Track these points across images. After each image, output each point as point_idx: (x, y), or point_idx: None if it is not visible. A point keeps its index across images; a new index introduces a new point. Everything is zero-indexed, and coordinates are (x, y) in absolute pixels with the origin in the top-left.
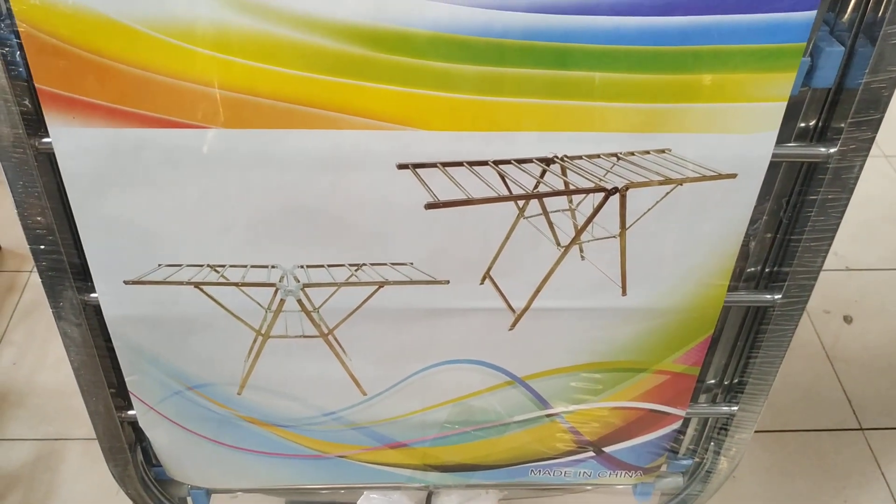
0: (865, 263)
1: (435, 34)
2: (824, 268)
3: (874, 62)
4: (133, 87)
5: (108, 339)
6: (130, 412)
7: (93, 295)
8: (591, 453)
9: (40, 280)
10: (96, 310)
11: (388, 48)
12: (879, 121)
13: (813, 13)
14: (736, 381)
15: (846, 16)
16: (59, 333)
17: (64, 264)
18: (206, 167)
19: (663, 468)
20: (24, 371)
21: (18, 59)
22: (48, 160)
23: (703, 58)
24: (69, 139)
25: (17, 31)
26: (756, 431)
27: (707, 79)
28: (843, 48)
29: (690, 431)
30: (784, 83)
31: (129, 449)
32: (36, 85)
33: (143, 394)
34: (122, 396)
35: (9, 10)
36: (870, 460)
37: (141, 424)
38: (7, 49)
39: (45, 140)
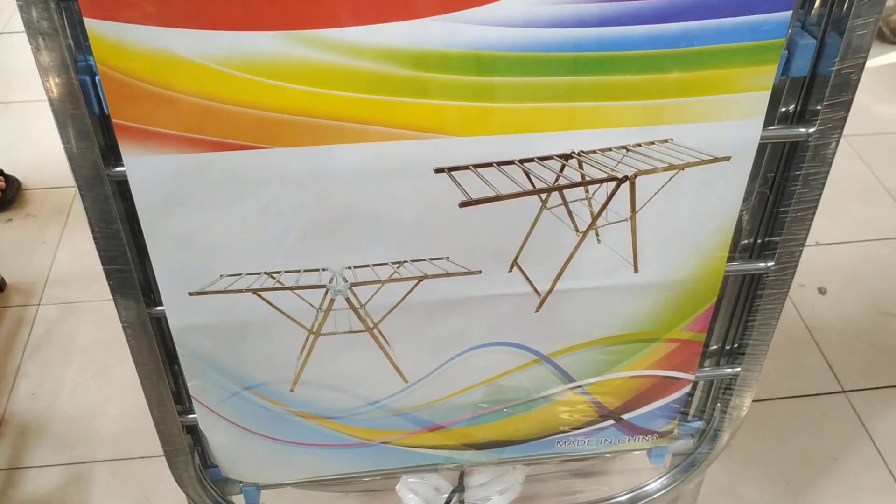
0: (834, 238)
1: (464, 52)
2: None
3: (842, 51)
4: (198, 115)
5: (167, 349)
6: (189, 416)
7: (157, 308)
8: (612, 421)
9: (112, 297)
10: (157, 322)
11: (424, 67)
12: (850, 102)
13: (789, 13)
14: (737, 345)
15: (815, 12)
16: (75, 361)
17: (134, 281)
18: (264, 184)
19: (675, 432)
20: (43, 401)
21: (93, 97)
22: (118, 186)
23: (697, 57)
24: (141, 167)
25: (94, 72)
26: None
27: (702, 75)
28: (814, 41)
29: (698, 395)
30: (767, 74)
31: (188, 451)
32: (113, 120)
33: (204, 397)
34: (178, 402)
35: (89, 53)
36: (854, 419)
37: (201, 427)
38: (87, 89)
39: (119, 169)
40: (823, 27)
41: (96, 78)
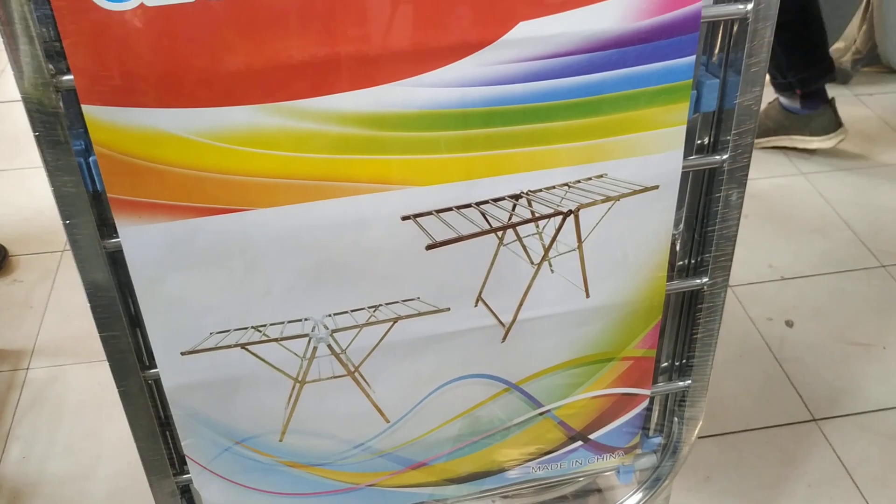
0: (798, 272)
1: (419, 111)
2: (763, 279)
3: (742, 87)
4: (187, 185)
5: (159, 413)
6: (183, 477)
7: (151, 371)
8: (580, 443)
9: (108, 362)
10: (150, 387)
11: (384, 127)
12: (754, 129)
13: (693, 58)
14: (685, 360)
15: (715, 56)
16: (65, 424)
17: (129, 346)
18: (249, 243)
19: (639, 449)
20: (34, 464)
21: (87, 176)
22: (111, 256)
23: (619, 101)
24: (135, 237)
25: (88, 153)
26: (721, 434)
27: (625, 116)
28: (718, 80)
29: (656, 412)
30: (681, 111)
31: None
32: (109, 195)
33: (197, 455)
34: (172, 465)
35: (86, 139)
36: (825, 447)
37: (196, 485)
38: (83, 170)
39: (114, 240)
40: (724, 68)
41: (91, 159)
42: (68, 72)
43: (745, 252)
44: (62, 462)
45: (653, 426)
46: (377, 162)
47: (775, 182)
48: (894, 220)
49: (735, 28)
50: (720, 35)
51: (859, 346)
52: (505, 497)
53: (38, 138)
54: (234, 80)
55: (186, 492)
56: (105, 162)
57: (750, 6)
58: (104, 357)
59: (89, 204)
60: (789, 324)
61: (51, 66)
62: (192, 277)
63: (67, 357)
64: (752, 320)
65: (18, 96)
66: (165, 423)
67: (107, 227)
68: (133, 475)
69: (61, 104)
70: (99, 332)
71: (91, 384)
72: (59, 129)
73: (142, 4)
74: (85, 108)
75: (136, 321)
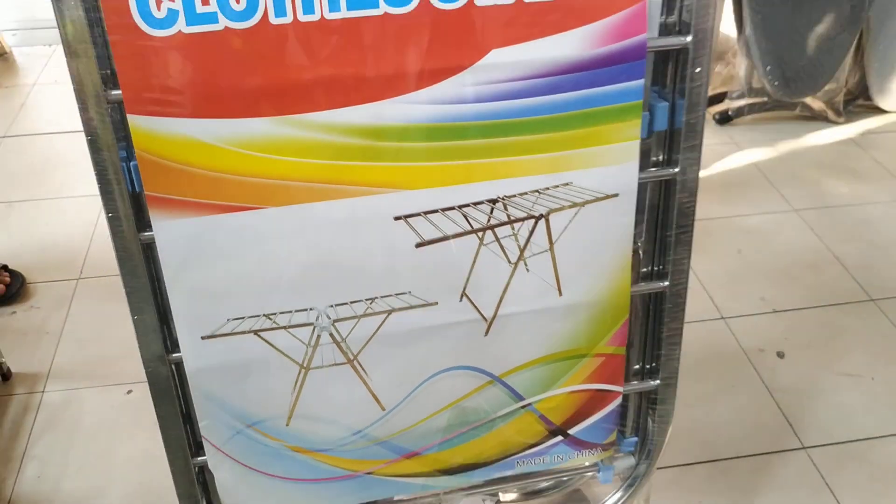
0: (790, 305)
1: (411, 125)
2: (755, 312)
3: (687, 109)
4: (211, 184)
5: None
6: (199, 459)
7: (174, 355)
8: (560, 437)
9: (138, 345)
10: (173, 372)
11: (381, 138)
12: (700, 145)
13: (642, 81)
14: (654, 364)
15: (668, 84)
16: (79, 445)
17: (157, 329)
18: (262, 238)
19: (616, 448)
20: (48, 483)
21: (128, 178)
22: (145, 248)
23: (580, 118)
24: (166, 230)
25: (130, 158)
26: (714, 460)
27: (587, 131)
28: (667, 103)
29: (632, 414)
30: (635, 128)
31: (198, 495)
32: (146, 193)
33: (213, 436)
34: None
35: (128, 146)
36: (814, 474)
37: (210, 466)
38: (125, 172)
39: (147, 234)
40: (672, 93)
41: (132, 164)
42: (117, 87)
43: (738, 285)
44: (76, 482)
45: (629, 427)
46: (373, 168)
47: (768, 218)
48: (885, 257)
49: (679, 57)
50: (669, 64)
51: (848, 377)
52: (494, 494)
53: (90, 142)
54: (254, 96)
55: (201, 474)
56: (144, 163)
57: (689, 38)
58: (117, 381)
59: (129, 202)
60: (780, 355)
61: (102, 83)
62: (213, 267)
63: (81, 381)
64: (745, 351)
65: (37, 130)
66: (185, 411)
67: (141, 223)
68: (144, 496)
69: (109, 114)
70: (132, 315)
71: (104, 407)
72: (107, 135)
73: (179, 32)
74: (130, 117)
75: (162, 311)
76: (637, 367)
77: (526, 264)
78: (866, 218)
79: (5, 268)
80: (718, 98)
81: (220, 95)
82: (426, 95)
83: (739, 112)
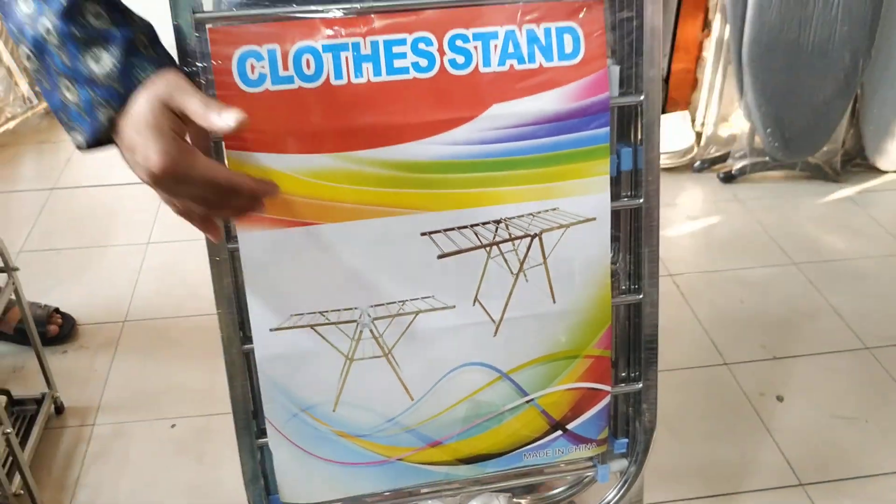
0: (789, 352)
1: (434, 161)
2: (756, 358)
3: (646, 151)
4: (283, 205)
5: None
6: (260, 441)
7: (246, 346)
8: (560, 432)
9: (220, 334)
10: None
11: (412, 170)
12: (657, 179)
13: (607, 128)
14: (637, 372)
15: (632, 136)
16: (127, 475)
17: (236, 322)
18: (320, 248)
19: (609, 446)
20: None
21: None
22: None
23: (563, 157)
24: (248, 240)
25: None
26: (714, 496)
27: (568, 167)
28: (631, 148)
29: (621, 417)
30: (605, 165)
31: (259, 472)
32: None
33: (274, 418)
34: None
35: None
36: None
37: (271, 446)
38: None
39: (233, 244)
40: (634, 139)
41: None
42: None
43: (740, 333)
44: None
45: (619, 432)
46: (405, 194)
47: (769, 270)
48: (879, 307)
49: (637, 112)
50: (633, 119)
51: (844, 420)
52: (505, 489)
53: None
54: (317, 138)
55: (261, 455)
56: None
57: (642, 97)
58: (162, 416)
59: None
60: (780, 398)
61: None
62: (281, 271)
63: (129, 415)
64: (746, 394)
65: (82, 183)
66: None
67: (228, 236)
68: None
69: (212, 150)
70: (217, 309)
71: (150, 440)
72: None
73: (266, 90)
74: (227, 151)
75: (239, 306)
76: (623, 374)
77: (525, 275)
78: (862, 271)
79: (57, 311)
80: (722, 158)
81: (294, 136)
82: (445, 138)
83: (742, 171)
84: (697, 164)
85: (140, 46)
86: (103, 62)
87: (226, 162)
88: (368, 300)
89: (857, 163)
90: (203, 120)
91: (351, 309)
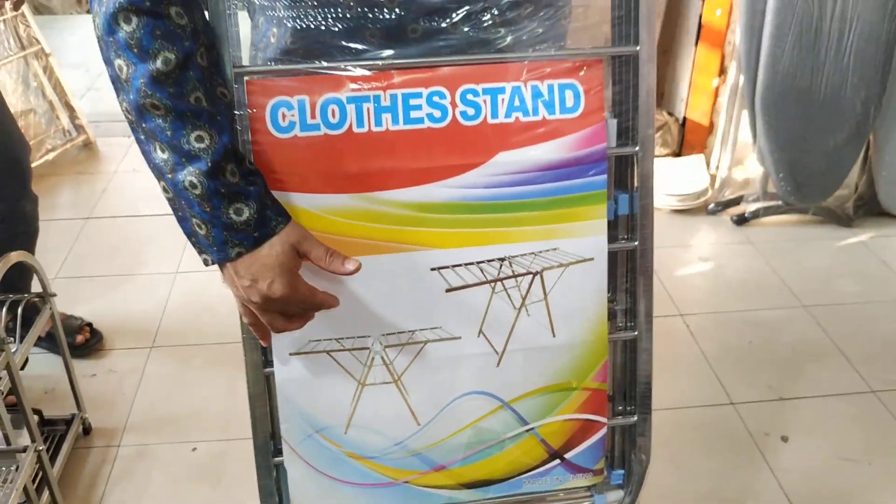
0: (795, 393)
1: (445, 202)
2: (762, 399)
3: (641, 197)
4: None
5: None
6: (276, 459)
7: (267, 369)
8: (558, 461)
9: (244, 358)
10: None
11: (424, 210)
12: (652, 223)
13: (605, 176)
14: (632, 406)
15: (628, 187)
16: (149, 493)
17: (259, 348)
18: (336, 280)
19: (605, 475)
20: None
21: None
22: None
23: (564, 201)
24: None
25: None
26: None
27: (569, 210)
28: (627, 195)
29: (618, 450)
30: (602, 209)
31: (274, 488)
32: None
33: (290, 437)
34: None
35: None
36: None
37: (286, 464)
38: None
39: None
40: (630, 187)
41: None
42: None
43: (747, 373)
44: None
45: (615, 463)
46: (417, 232)
47: (779, 313)
48: (886, 352)
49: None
50: (630, 165)
51: (847, 461)
52: None
53: None
54: (339, 179)
55: (276, 473)
56: None
57: (637, 148)
58: (184, 440)
59: None
60: (784, 439)
61: None
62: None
63: (153, 438)
64: (751, 433)
65: (116, 213)
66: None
67: None
68: None
69: None
70: (242, 335)
71: (172, 462)
72: None
73: (295, 136)
74: None
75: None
76: (620, 407)
77: (527, 310)
78: (871, 315)
79: (90, 325)
80: (736, 201)
81: (318, 178)
82: (455, 182)
83: (755, 214)
84: (711, 206)
85: (268, 199)
86: (243, 214)
87: None
88: (381, 329)
89: (869, 208)
90: (326, 266)
91: (364, 337)
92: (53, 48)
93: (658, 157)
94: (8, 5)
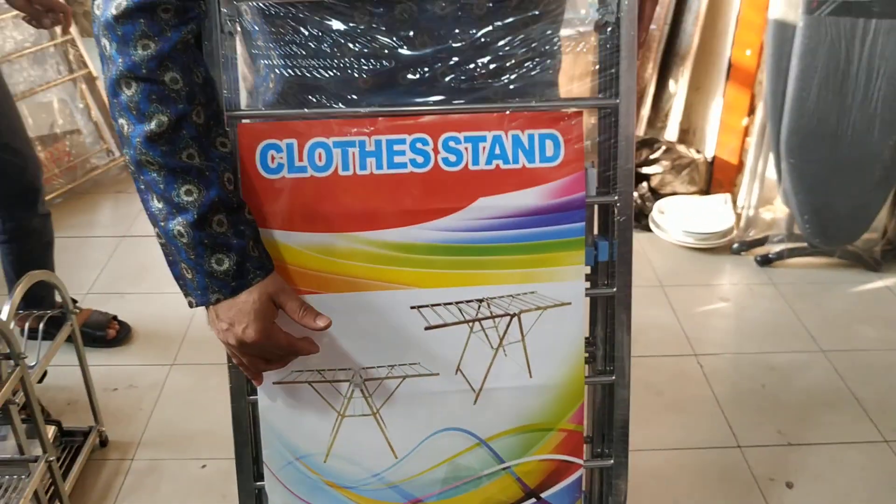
0: (804, 439)
1: (425, 244)
2: (770, 443)
3: (619, 245)
4: (290, 274)
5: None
6: (257, 483)
7: (251, 397)
8: (534, 500)
9: (229, 386)
10: (248, 409)
11: (406, 251)
12: (630, 271)
13: (583, 223)
14: (609, 449)
15: (608, 231)
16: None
17: (243, 377)
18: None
19: None
20: None
21: None
22: None
23: (542, 246)
24: None
25: None
26: None
27: (547, 255)
28: (608, 242)
29: (595, 491)
30: (580, 255)
31: None
32: None
33: (271, 463)
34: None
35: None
36: None
37: (267, 489)
38: None
39: None
40: (611, 234)
41: None
42: None
43: (758, 417)
44: None
45: (594, 501)
46: (398, 271)
47: (796, 356)
48: None
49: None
50: (609, 215)
51: None
52: None
53: None
54: (324, 219)
55: (259, 497)
56: None
57: (616, 197)
58: (195, 456)
59: None
60: (790, 485)
61: None
62: (287, 332)
63: (165, 453)
64: (756, 478)
65: (150, 233)
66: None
67: None
68: None
69: None
70: (227, 363)
71: (181, 477)
72: None
73: (283, 177)
74: None
75: None
76: (598, 450)
77: (504, 350)
78: (891, 363)
79: (115, 318)
80: (761, 241)
81: (304, 217)
82: (435, 225)
83: (780, 255)
84: (735, 245)
85: (254, 251)
86: (224, 265)
87: None
88: (361, 363)
89: None
90: (299, 320)
91: (345, 370)
92: (100, 72)
93: (685, 194)
94: (57, 30)
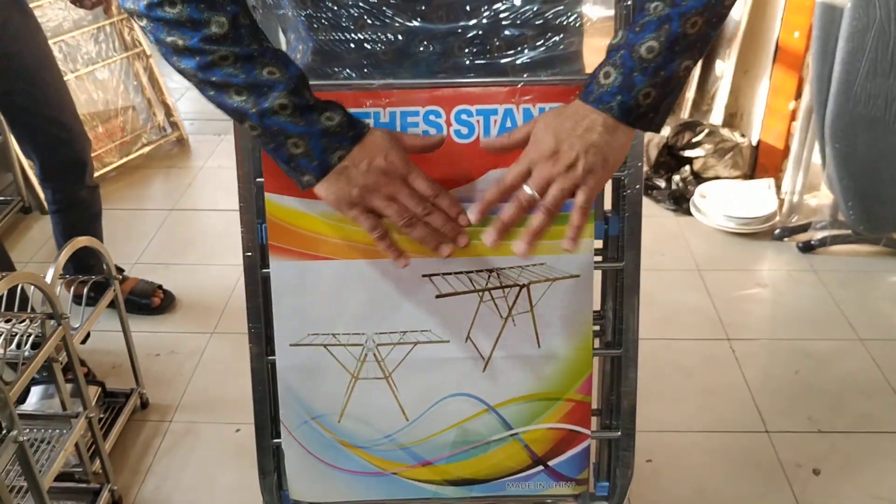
0: (835, 427)
1: None
2: (800, 430)
3: (628, 219)
4: (308, 240)
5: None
6: (275, 441)
7: (270, 357)
8: (542, 467)
9: (249, 346)
10: (267, 368)
11: None
12: (639, 244)
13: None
14: (616, 422)
15: (619, 204)
16: (191, 468)
17: (262, 337)
18: (336, 279)
19: (589, 486)
20: (163, 494)
21: (259, 234)
22: (263, 280)
23: (555, 218)
24: (278, 268)
25: (262, 221)
26: None
27: (557, 228)
28: (618, 216)
29: (603, 462)
30: (589, 229)
31: (273, 471)
32: (269, 243)
33: (288, 421)
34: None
35: (262, 213)
36: None
37: (283, 446)
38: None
39: (266, 270)
40: (620, 208)
41: (263, 225)
42: (260, 175)
43: (789, 404)
44: (185, 496)
45: (601, 475)
46: (411, 240)
47: (833, 344)
48: None
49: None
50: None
51: (880, 500)
52: None
53: (242, 207)
54: None
55: (276, 454)
56: (270, 224)
57: (625, 172)
58: (229, 421)
59: (258, 249)
60: (816, 472)
61: (253, 173)
62: (303, 295)
63: (202, 416)
64: (782, 463)
65: (198, 206)
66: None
67: (263, 263)
68: None
69: (254, 193)
70: (248, 323)
71: (215, 440)
72: (251, 205)
73: None
74: (266, 194)
75: (267, 323)
76: (606, 423)
77: (513, 320)
78: None
79: (160, 287)
80: (804, 227)
81: None
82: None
83: (822, 242)
84: (778, 231)
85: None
86: (335, 119)
87: (264, 203)
88: (374, 328)
89: None
90: (421, 147)
91: (359, 334)
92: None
93: (728, 178)
94: (114, 8)
